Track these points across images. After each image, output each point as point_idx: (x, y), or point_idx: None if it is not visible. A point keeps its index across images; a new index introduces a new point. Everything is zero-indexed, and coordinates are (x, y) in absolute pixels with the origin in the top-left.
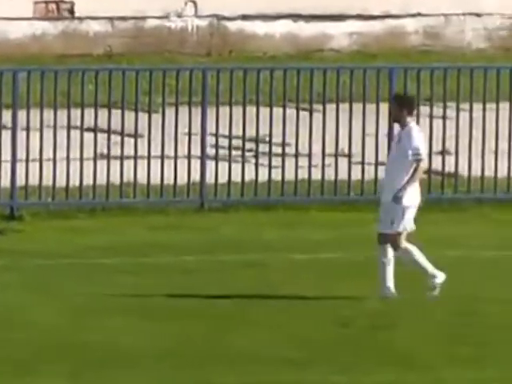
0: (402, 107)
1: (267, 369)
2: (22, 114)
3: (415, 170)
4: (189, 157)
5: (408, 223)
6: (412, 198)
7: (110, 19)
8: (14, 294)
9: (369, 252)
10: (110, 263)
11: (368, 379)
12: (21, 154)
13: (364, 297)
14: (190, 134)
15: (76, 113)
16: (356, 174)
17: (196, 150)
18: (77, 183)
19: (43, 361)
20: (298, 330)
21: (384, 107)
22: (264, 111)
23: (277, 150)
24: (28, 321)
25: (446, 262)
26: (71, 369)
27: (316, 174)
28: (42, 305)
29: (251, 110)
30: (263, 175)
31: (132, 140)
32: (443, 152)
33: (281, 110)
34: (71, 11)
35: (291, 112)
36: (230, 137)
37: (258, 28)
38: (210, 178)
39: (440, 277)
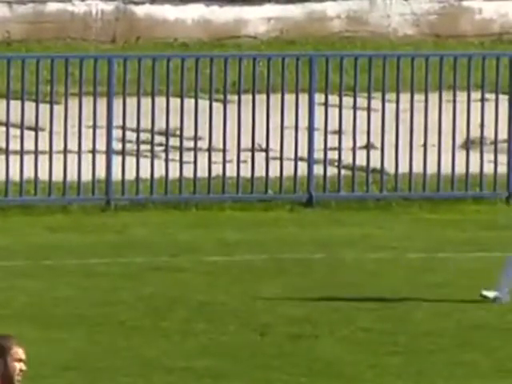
0: None
1: (179, 380)
2: None
3: None
4: (93, 151)
5: None
6: None
7: (9, 3)
8: None
9: (287, 253)
10: (7, 266)
11: None
12: None
13: (283, 301)
14: (94, 127)
15: None
16: (274, 171)
17: (101, 145)
18: None
19: None
20: (212, 339)
21: (304, 98)
22: (174, 102)
23: (188, 144)
24: None
25: (370, 266)
26: None
27: (231, 171)
28: None
29: (161, 101)
30: (174, 171)
31: (32, 133)
32: (368, 146)
33: (193, 101)
34: None
35: (204, 103)
36: (137, 130)
37: (168, 13)
38: (116, 175)
39: (503, 298)
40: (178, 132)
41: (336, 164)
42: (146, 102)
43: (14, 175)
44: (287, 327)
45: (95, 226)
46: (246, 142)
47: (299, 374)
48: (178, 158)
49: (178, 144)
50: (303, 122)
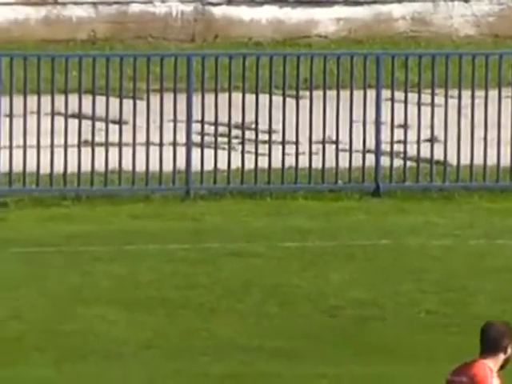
0: None
1: (253, 359)
2: (5, 101)
3: None
4: (174, 144)
5: None
6: None
7: (94, 4)
8: None
9: (356, 240)
10: (93, 251)
11: (357, 370)
12: (4, 140)
13: (352, 286)
14: (175, 121)
15: (60, 99)
16: (343, 162)
17: (181, 137)
18: (61, 170)
19: (25, 350)
20: (285, 320)
21: (371, 94)
22: (250, 98)
23: (263, 137)
24: (6, 310)
25: (433, 252)
26: (55, 358)
27: (303, 162)
28: (23, 294)
29: (237, 96)
30: (249, 162)
31: (117, 127)
32: (432, 140)
33: (267, 96)
34: None
35: (277, 99)
36: (215, 124)
37: (244, 13)
38: (195, 166)
39: None
40: (253, 126)
41: (402, 156)
42: (223, 97)
43: (99, 166)
44: (355, 309)
45: (175, 214)
46: (317, 135)
47: (367, 353)
48: (253, 150)
49: (253, 137)
50: (371, 117)
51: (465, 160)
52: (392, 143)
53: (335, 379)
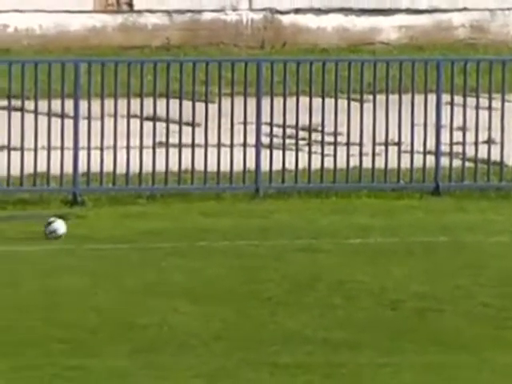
0: None
1: (318, 350)
2: (83, 104)
3: None
4: (244, 145)
5: None
6: None
7: (168, 12)
8: (74, 277)
9: (416, 237)
10: (167, 247)
11: (417, 360)
12: (82, 142)
13: (412, 280)
14: (245, 124)
15: (135, 102)
16: (405, 162)
17: (251, 139)
18: (136, 170)
19: (101, 342)
20: (349, 313)
21: (431, 98)
22: (316, 101)
23: (329, 138)
24: (86, 303)
25: (490, 248)
26: (129, 349)
27: (367, 162)
28: (99, 288)
29: (304, 100)
30: (316, 163)
31: (190, 129)
32: (489, 141)
33: (332, 100)
34: (130, 4)
35: (342, 102)
36: (283, 126)
37: (311, 21)
38: (264, 166)
39: None
40: (319, 128)
41: (460, 157)
42: (290, 101)
43: (173, 166)
44: (415, 303)
45: (245, 211)
46: (380, 137)
47: (427, 344)
48: (319, 150)
49: (319, 138)
50: (431, 120)
51: None
52: (451, 145)
53: (396, 368)
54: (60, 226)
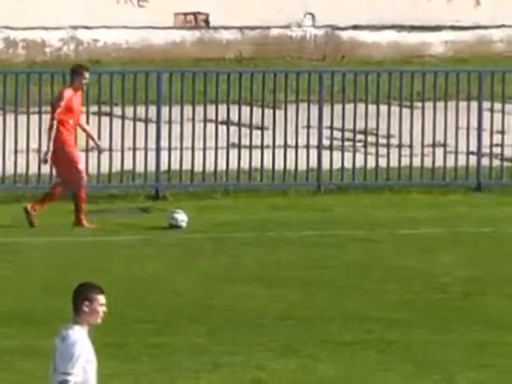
0: None
1: (375, 328)
2: (165, 110)
3: None
4: (307, 146)
5: None
6: None
7: (240, 28)
8: (155, 264)
9: (462, 228)
10: (239, 237)
11: (463, 338)
12: (164, 143)
13: (459, 266)
14: (308, 127)
15: (211, 109)
16: (450, 162)
17: (314, 141)
18: (212, 168)
19: (181, 322)
20: (402, 296)
21: (473, 105)
22: (372, 108)
23: (383, 141)
24: (166, 287)
25: None
26: (206, 328)
27: (416, 162)
28: (178, 274)
29: (361, 107)
30: (371, 162)
31: (259, 132)
32: None
33: (386, 107)
34: (207, 21)
35: (394, 109)
36: (342, 129)
37: (367, 37)
38: (325, 165)
39: None
40: (374, 131)
41: (499, 157)
42: (349, 107)
43: (244, 165)
44: (462, 287)
45: (308, 205)
46: (428, 140)
47: (473, 324)
48: (374, 151)
49: (374, 141)
50: (473, 124)
51: None
52: (491, 146)
53: (442, 345)
54: (183, 218)
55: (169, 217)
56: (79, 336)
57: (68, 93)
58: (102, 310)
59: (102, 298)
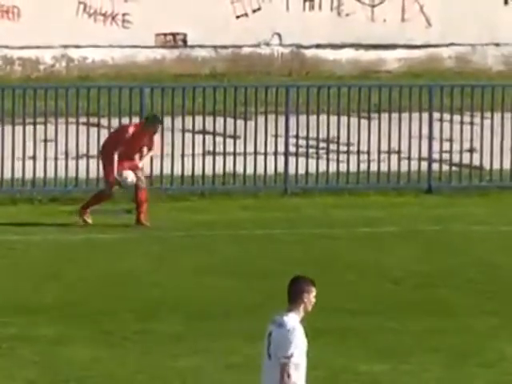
0: None
1: (335, 317)
2: None
3: None
4: (275, 153)
5: None
6: None
7: (215, 47)
8: (137, 260)
9: (414, 226)
10: (214, 235)
11: (416, 325)
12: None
13: (411, 261)
14: (276, 136)
15: (189, 119)
16: (404, 167)
17: (281, 148)
18: (190, 173)
19: (162, 311)
20: (360, 287)
21: (425, 116)
22: (333, 119)
23: (343, 148)
24: (148, 281)
25: (475, 235)
26: (185, 317)
27: (373, 167)
28: (159, 268)
29: (323, 117)
30: (333, 167)
31: (232, 140)
32: (471, 150)
33: (346, 117)
34: (184, 41)
35: (354, 119)
36: (307, 138)
37: (329, 54)
38: (291, 170)
39: None
40: (335, 140)
41: (448, 162)
42: (312, 118)
43: (219, 170)
44: (414, 279)
45: (276, 206)
46: (383, 147)
47: (423, 313)
48: (335, 157)
49: (335, 148)
50: (425, 133)
51: (496, 165)
52: (441, 153)
53: (397, 331)
54: (130, 175)
55: (119, 175)
56: (295, 322)
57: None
58: (314, 300)
59: (315, 290)
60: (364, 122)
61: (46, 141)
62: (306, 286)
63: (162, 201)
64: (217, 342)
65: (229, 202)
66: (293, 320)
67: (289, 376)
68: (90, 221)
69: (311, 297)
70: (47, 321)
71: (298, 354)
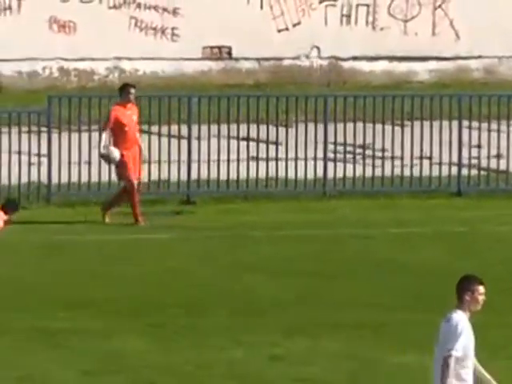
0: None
1: (368, 311)
2: (194, 128)
3: None
4: (315, 159)
5: None
6: None
7: (258, 59)
8: (187, 259)
9: (446, 227)
10: (256, 235)
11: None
12: (194, 156)
13: (443, 259)
14: (315, 143)
15: (234, 127)
16: (435, 171)
17: (320, 154)
18: (234, 177)
19: (207, 306)
20: (392, 284)
21: (454, 123)
22: (369, 126)
23: (378, 154)
24: (196, 279)
25: (498, 236)
26: (228, 311)
27: (406, 171)
28: (204, 266)
29: (359, 125)
30: (368, 172)
31: (274, 146)
32: (498, 156)
33: (381, 125)
34: (229, 53)
35: (388, 127)
36: (344, 144)
37: (365, 66)
38: (330, 174)
39: None
40: (371, 146)
41: (477, 167)
42: (349, 125)
43: (261, 174)
44: (442, 276)
45: (315, 208)
46: (416, 153)
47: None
48: (371, 163)
49: (371, 154)
50: (454, 139)
51: None
52: (470, 158)
53: (422, 324)
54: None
55: (105, 147)
56: (461, 318)
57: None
58: (481, 298)
59: (481, 288)
60: (397, 129)
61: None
62: (470, 285)
63: (208, 203)
64: (259, 335)
65: (271, 204)
66: (459, 316)
67: (448, 368)
68: (108, 220)
69: (476, 295)
70: (99, 315)
71: (461, 348)
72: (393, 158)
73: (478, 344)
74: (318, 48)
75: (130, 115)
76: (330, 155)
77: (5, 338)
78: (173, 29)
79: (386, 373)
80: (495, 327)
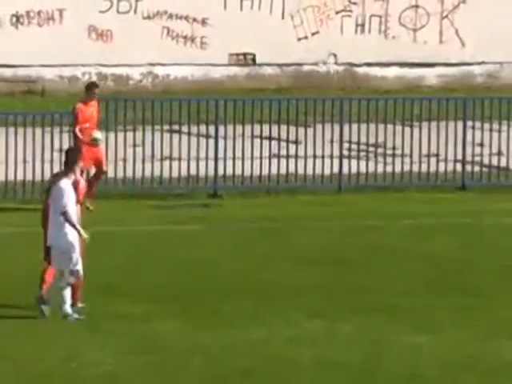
0: None
1: (382, 296)
2: (221, 128)
3: None
4: (331, 156)
5: None
6: None
7: (279, 65)
8: (212, 248)
9: (451, 218)
10: (278, 227)
11: (453, 303)
12: (221, 154)
13: (449, 249)
14: (332, 142)
15: (257, 127)
16: (441, 168)
17: (336, 152)
18: (258, 173)
19: (234, 292)
20: (403, 271)
21: (459, 124)
22: (381, 127)
23: (389, 151)
24: (224, 267)
25: (503, 228)
26: (254, 296)
27: (415, 168)
28: (230, 255)
29: (372, 125)
30: (380, 168)
31: (294, 145)
32: (499, 153)
33: (392, 126)
34: (254, 60)
35: (398, 127)
36: (358, 143)
37: (377, 71)
38: (345, 170)
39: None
40: (383, 144)
41: (480, 164)
42: (363, 126)
43: (282, 170)
44: (451, 264)
45: (332, 202)
46: (424, 150)
47: (461, 292)
48: (383, 160)
49: (382, 152)
50: (459, 138)
51: None
52: (473, 156)
53: (433, 308)
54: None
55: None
56: None
57: None
58: None
59: None
60: (407, 129)
61: (134, 146)
62: None
63: (234, 197)
64: (280, 318)
65: (291, 198)
66: None
67: None
68: (91, 207)
69: None
70: (135, 300)
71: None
72: (403, 155)
73: (479, 325)
74: (334, 55)
75: (91, 111)
76: (345, 153)
77: (54, 322)
78: (202, 37)
79: (399, 353)
80: (497, 309)
